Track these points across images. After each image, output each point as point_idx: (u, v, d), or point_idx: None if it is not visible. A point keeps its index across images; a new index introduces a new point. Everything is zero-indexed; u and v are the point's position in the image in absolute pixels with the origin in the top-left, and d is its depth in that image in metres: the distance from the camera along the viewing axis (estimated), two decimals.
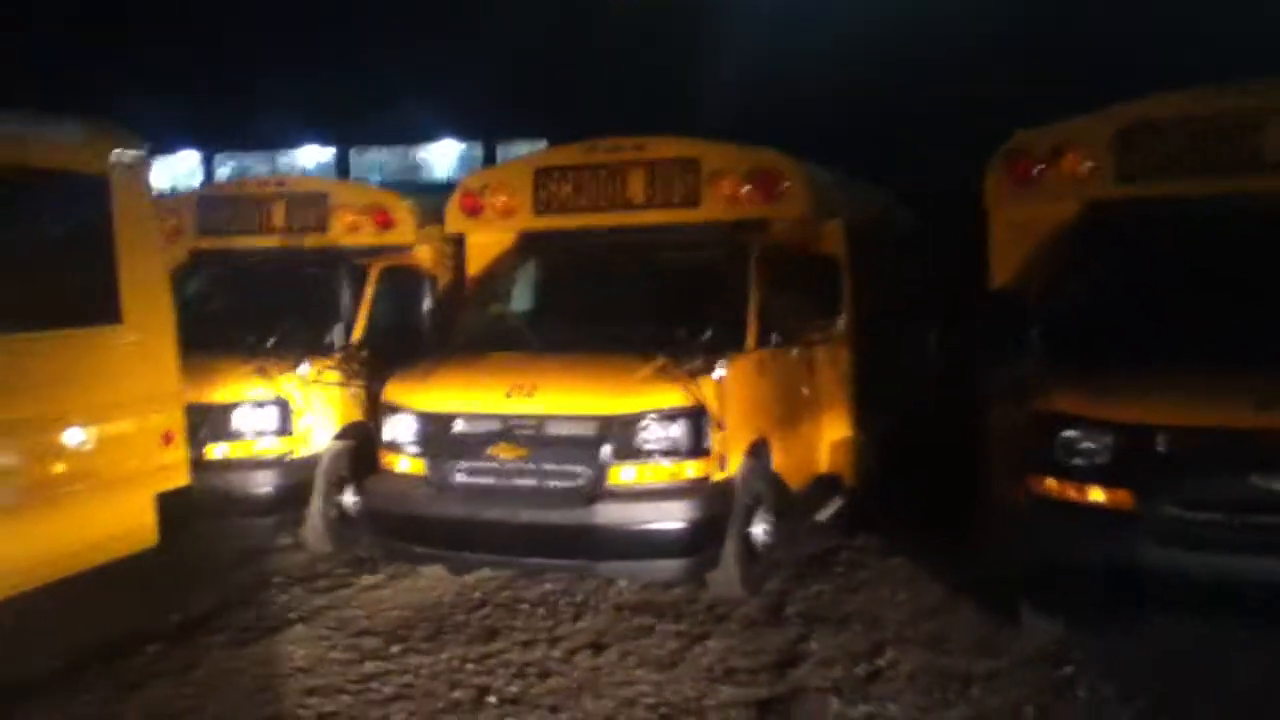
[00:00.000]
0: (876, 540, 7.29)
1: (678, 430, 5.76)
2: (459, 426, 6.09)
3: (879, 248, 8.06)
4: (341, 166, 29.78)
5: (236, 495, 7.07)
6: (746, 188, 6.86)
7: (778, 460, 6.63)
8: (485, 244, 7.71)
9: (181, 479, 6.10)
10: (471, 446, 6.05)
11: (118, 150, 5.80)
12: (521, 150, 25.31)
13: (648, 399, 5.79)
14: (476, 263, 7.71)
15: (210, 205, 8.83)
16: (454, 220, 7.76)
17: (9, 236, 5.08)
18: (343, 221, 8.46)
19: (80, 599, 5.54)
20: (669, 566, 5.83)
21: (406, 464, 6.27)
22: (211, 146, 30.15)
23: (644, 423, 5.76)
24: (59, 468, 5.36)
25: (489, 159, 27.46)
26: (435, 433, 6.15)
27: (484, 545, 5.99)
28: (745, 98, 14.89)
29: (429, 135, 29.25)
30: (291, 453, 7.28)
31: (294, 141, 29.95)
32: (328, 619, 6.13)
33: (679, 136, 7.17)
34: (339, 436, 7.62)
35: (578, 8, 21.48)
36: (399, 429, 6.32)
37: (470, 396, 6.16)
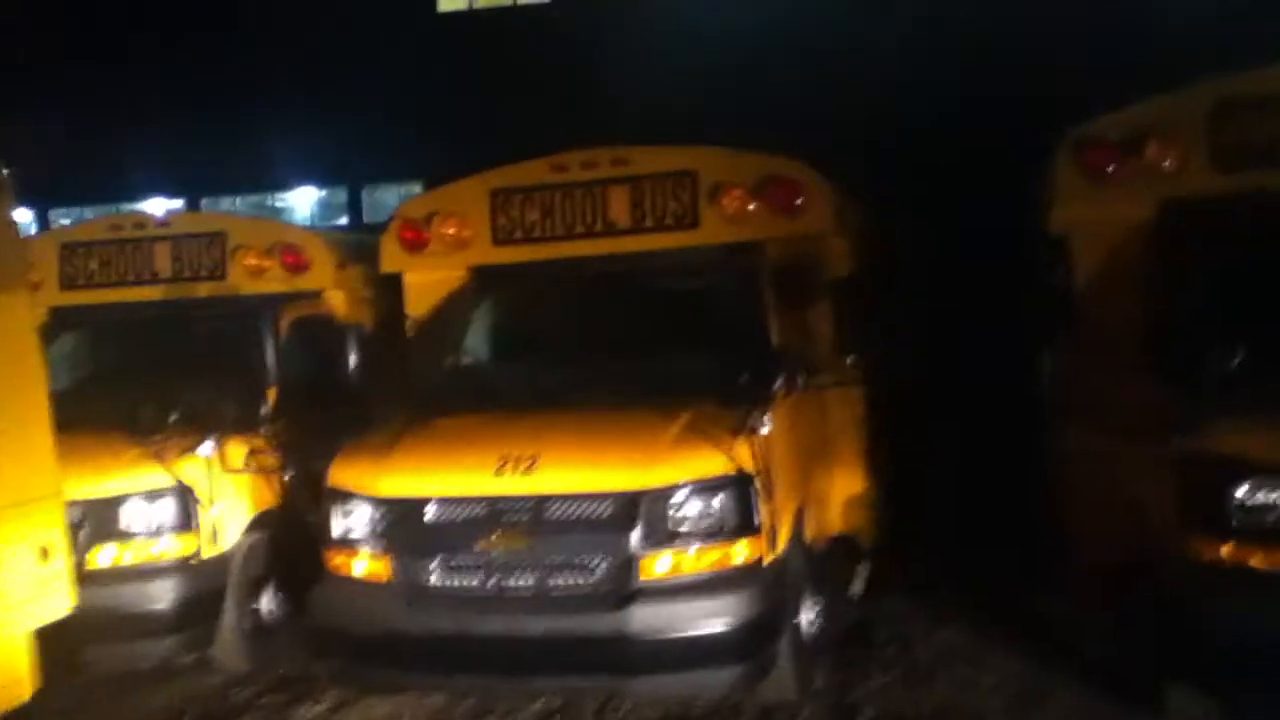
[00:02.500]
0: (906, 607, 6.27)
1: (721, 504, 4.58)
2: (434, 514, 4.77)
3: (889, 267, 7.09)
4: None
5: (129, 611, 5.56)
6: (755, 202, 5.76)
7: (809, 528, 5.53)
8: (431, 283, 6.37)
9: (62, 605, 4.62)
10: (452, 539, 4.74)
11: None
12: (391, 195, 23.84)
13: (682, 467, 4.60)
14: (421, 306, 6.36)
15: (74, 253, 7.22)
16: (391, 256, 6.41)
17: None
18: (243, 265, 6.99)
19: None
20: (718, 678, 4.61)
21: (364, 565, 4.91)
22: (44, 201, 27.55)
23: (679, 498, 4.57)
24: None
25: (354, 204, 25.84)
26: (402, 524, 4.82)
27: (479, 667, 4.66)
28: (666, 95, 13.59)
29: (286, 182, 27.41)
30: (197, 553, 5.79)
31: (139, 192, 27.65)
32: None
33: (669, 145, 6.02)
34: (252, 528, 6.15)
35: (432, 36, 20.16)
36: (352, 521, 4.95)
37: (447, 475, 4.85)
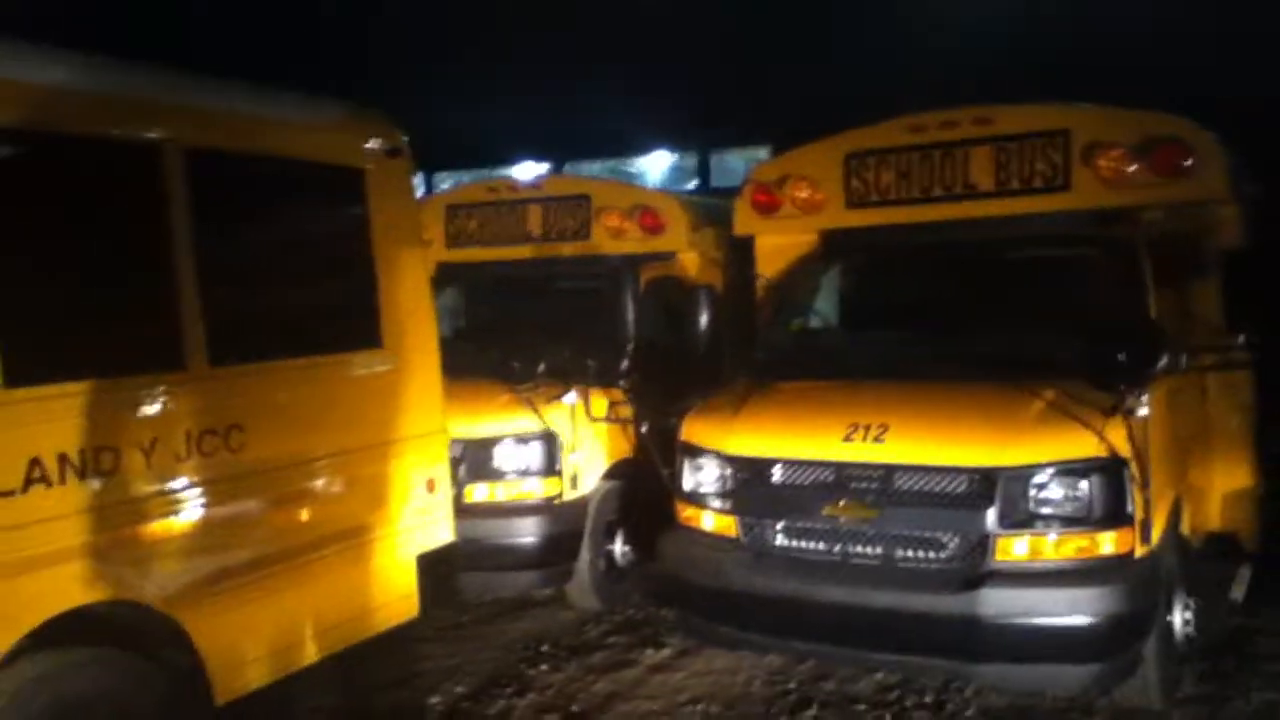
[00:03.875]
0: None
1: (1090, 489, 4.28)
2: (780, 476, 4.80)
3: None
4: None
5: (497, 545, 6.02)
6: (1136, 164, 5.28)
7: (1185, 522, 5.06)
8: (782, 246, 6.38)
9: (444, 534, 5.09)
10: (798, 502, 4.76)
11: (376, 137, 4.81)
12: (738, 160, 24.05)
13: (1047, 446, 4.34)
14: (771, 269, 6.39)
15: (456, 214, 7.87)
16: (744, 219, 6.47)
17: (227, 240, 4.10)
18: (605, 226, 7.33)
19: (332, 678, 4.62)
20: (1074, 675, 4.33)
21: (710, 520, 5.04)
22: (428, 165, 30.23)
23: (1042, 478, 4.32)
24: (310, 527, 4.37)
25: (703, 169, 26.32)
26: (749, 484, 4.89)
27: (817, 634, 4.64)
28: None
29: (640, 147, 28.36)
30: (559, 495, 6.19)
31: (510, 157, 29.63)
32: (617, 713, 4.96)
33: (1038, 103, 5.63)
34: (608, 476, 6.50)
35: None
36: (700, 476, 5.09)
37: (795, 438, 4.86)
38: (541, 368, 6.15)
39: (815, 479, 4.71)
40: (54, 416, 3.44)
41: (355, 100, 4.89)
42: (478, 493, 6.06)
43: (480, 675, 5.39)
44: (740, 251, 6.75)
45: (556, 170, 31.08)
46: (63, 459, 3.45)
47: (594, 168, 30.22)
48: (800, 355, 5.68)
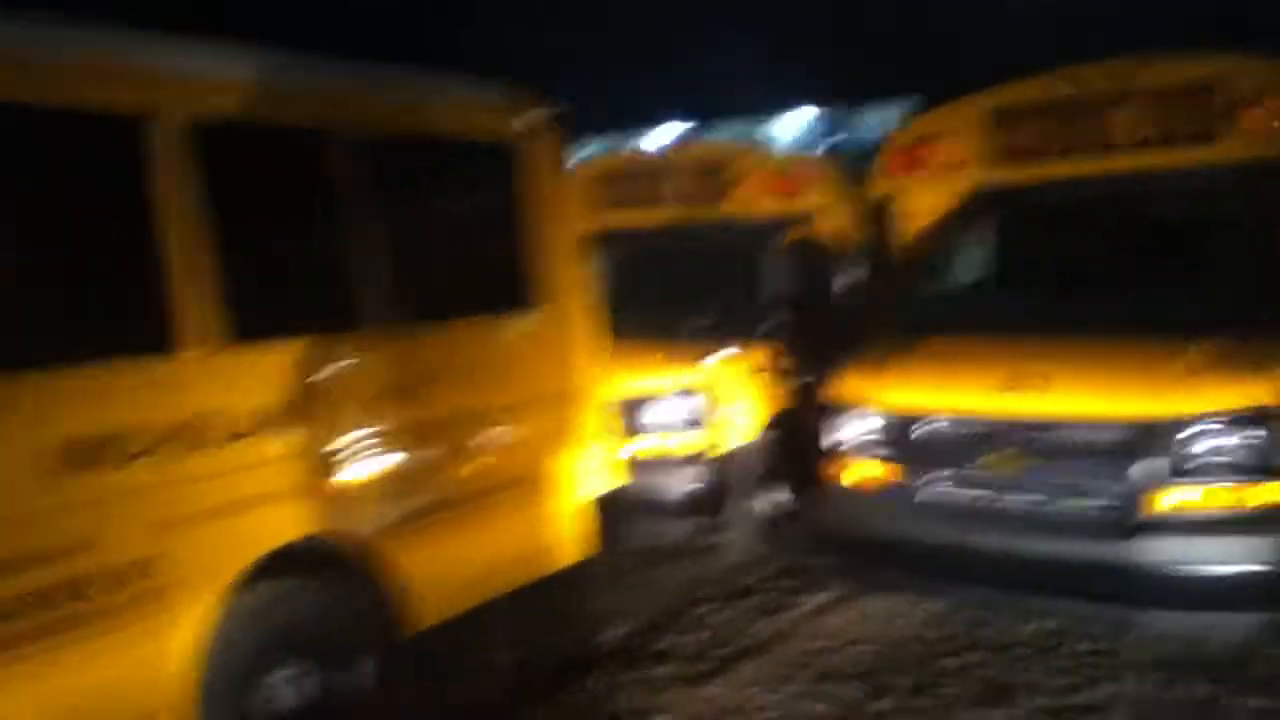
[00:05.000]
0: None
1: (1250, 440, 4.29)
2: (933, 428, 4.93)
3: None
4: None
5: (656, 495, 6.33)
6: None
7: None
8: (924, 205, 6.42)
9: (611, 482, 5.41)
10: (952, 453, 4.88)
11: (529, 113, 5.10)
12: (877, 116, 23.62)
13: (1204, 398, 4.37)
14: (915, 227, 6.45)
15: (603, 179, 8.13)
16: (884, 179, 6.53)
17: (410, 213, 4.47)
18: (745, 190, 7.48)
19: (506, 612, 4.98)
20: (1240, 622, 4.36)
21: (863, 471, 5.20)
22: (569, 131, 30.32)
23: (1200, 429, 4.34)
24: (490, 472, 4.73)
25: (838, 126, 25.94)
26: (902, 435, 5.03)
27: (975, 578, 4.78)
28: None
29: (778, 106, 28.04)
30: (710, 449, 6.44)
31: (651, 120, 29.65)
32: (781, 652, 5.18)
33: (1200, 52, 5.53)
34: (761, 429, 6.72)
35: None
36: (852, 429, 5.25)
37: (949, 391, 4.98)
38: (694, 326, 6.39)
39: (972, 430, 4.82)
40: (277, 368, 3.85)
41: (508, 79, 5.19)
42: (637, 446, 6.34)
43: (645, 616, 5.69)
44: (880, 211, 6.82)
45: (699, 131, 31.11)
46: (287, 406, 3.85)
47: (732, 128, 30.10)
48: (947, 312, 5.74)
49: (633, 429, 6.35)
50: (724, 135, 28.79)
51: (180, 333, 3.56)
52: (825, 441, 5.39)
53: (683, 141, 18.50)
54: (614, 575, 6.25)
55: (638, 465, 6.27)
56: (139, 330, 3.49)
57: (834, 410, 5.34)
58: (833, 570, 5.67)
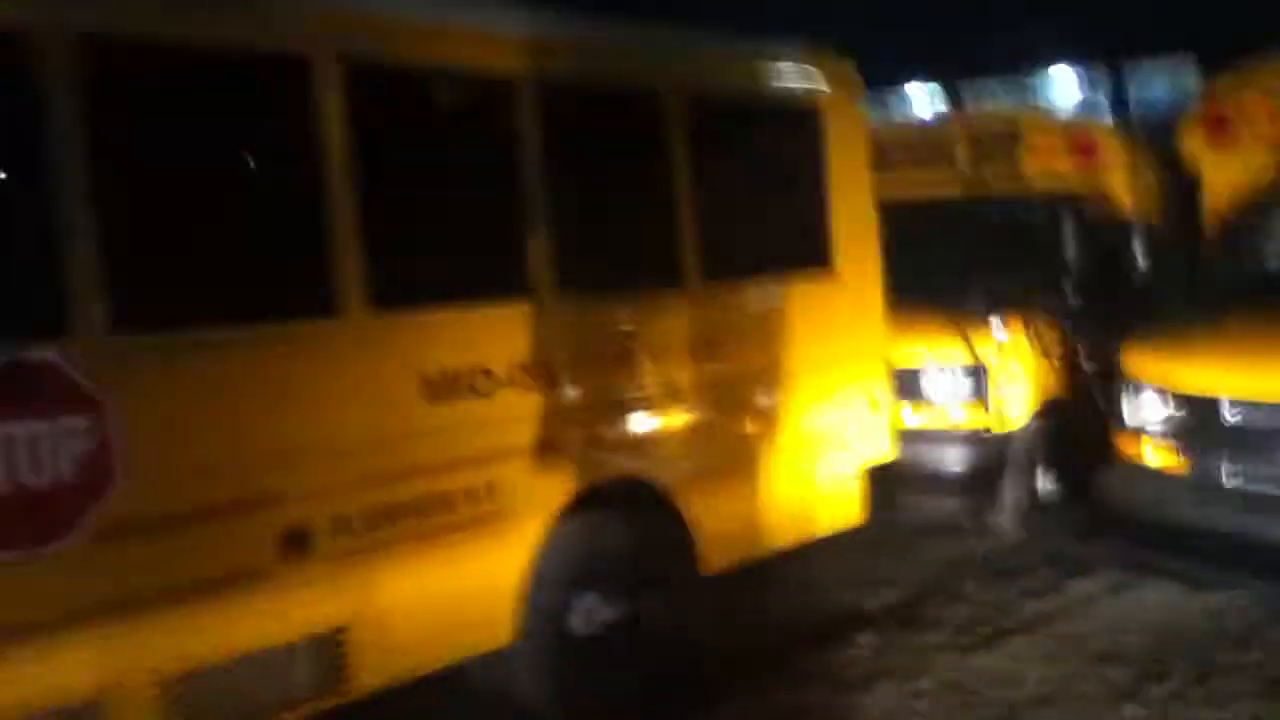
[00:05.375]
0: None
1: None
2: (1233, 414, 4.75)
3: None
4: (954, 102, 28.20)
5: (925, 469, 6.36)
6: None
7: None
8: (1229, 176, 6.08)
9: (884, 453, 5.53)
10: (1252, 441, 4.70)
11: (832, 72, 5.25)
12: (1158, 73, 21.88)
13: None
14: (1224, 199, 6.11)
15: (885, 144, 8.10)
16: (1193, 145, 6.21)
17: (725, 177, 4.73)
18: (1035, 158, 7.29)
19: (780, 569, 5.22)
20: None
21: (1155, 455, 5.09)
22: None
23: None
24: (775, 432, 4.97)
25: (1116, 85, 24.27)
26: (1197, 420, 4.88)
27: (1268, 571, 4.61)
28: None
29: (1042, 61, 26.49)
30: (987, 428, 6.41)
31: (898, 79, 28.70)
32: (1052, 632, 5.17)
33: None
34: (1038, 412, 6.61)
35: None
36: (1145, 411, 5.13)
37: (1249, 377, 4.78)
38: (976, 299, 6.36)
39: (1270, 419, 4.63)
40: (607, 320, 4.25)
41: (810, 40, 5.32)
42: (909, 418, 6.39)
43: (911, 586, 5.79)
44: (1180, 180, 6.52)
45: (947, 92, 29.92)
46: (612, 356, 4.25)
47: (989, 87, 28.67)
48: (1256, 292, 5.48)
49: (911, 400, 6.39)
50: (977, 97, 27.52)
51: (536, 282, 4.00)
52: (1124, 420, 5.27)
53: (946, 107, 17.94)
54: (882, 544, 6.36)
55: (913, 437, 6.31)
56: (505, 278, 3.94)
57: (1135, 388, 5.21)
58: (1112, 557, 5.57)
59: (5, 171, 2.85)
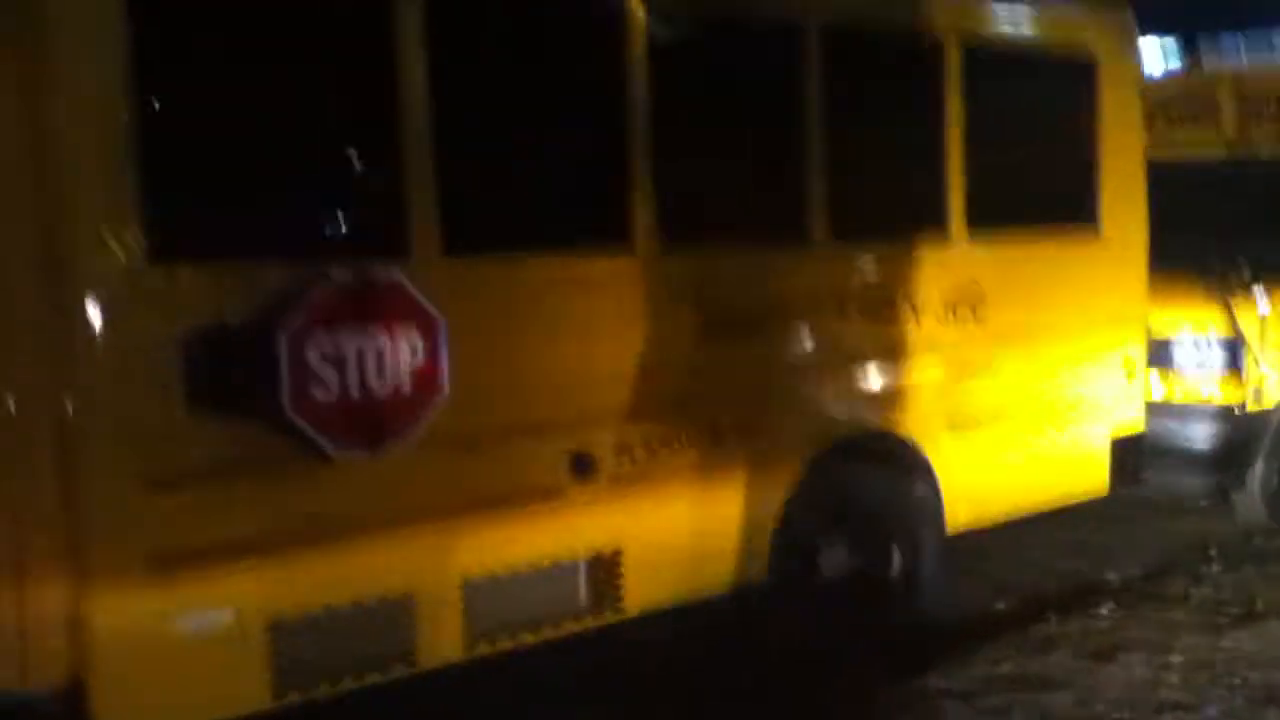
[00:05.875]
0: None
1: None
2: None
3: None
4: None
5: (1171, 444, 6.08)
6: None
7: None
8: None
9: (1137, 422, 5.34)
10: None
11: (1108, 27, 5.02)
12: None
13: None
14: None
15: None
16: None
17: (992, 126, 4.58)
18: None
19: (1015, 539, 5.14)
20: None
21: None
22: None
23: None
24: (1026, 394, 4.86)
25: None
26: None
27: None
28: None
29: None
30: (1241, 404, 6.08)
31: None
32: None
33: None
34: None
35: None
36: None
37: None
38: (1240, 270, 6.02)
39: None
40: (866, 271, 4.26)
41: None
42: (1158, 389, 6.12)
43: (1151, 562, 5.63)
44: None
45: (1186, 47, 27.85)
46: (868, 310, 4.25)
47: (1232, 44, 26.53)
48: None
49: (1164, 370, 6.12)
50: (1218, 52, 25.44)
51: (810, 231, 4.06)
52: None
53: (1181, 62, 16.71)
54: (1118, 520, 6.17)
55: (1158, 409, 6.04)
56: (781, 225, 4.01)
57: None
58: None
59: (361, 123, 3.13)
